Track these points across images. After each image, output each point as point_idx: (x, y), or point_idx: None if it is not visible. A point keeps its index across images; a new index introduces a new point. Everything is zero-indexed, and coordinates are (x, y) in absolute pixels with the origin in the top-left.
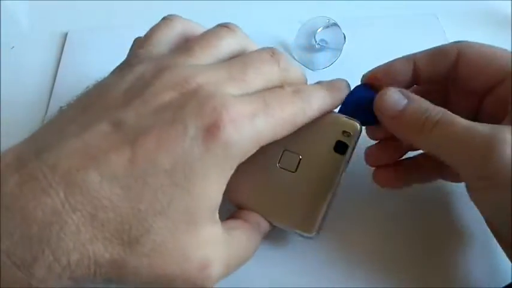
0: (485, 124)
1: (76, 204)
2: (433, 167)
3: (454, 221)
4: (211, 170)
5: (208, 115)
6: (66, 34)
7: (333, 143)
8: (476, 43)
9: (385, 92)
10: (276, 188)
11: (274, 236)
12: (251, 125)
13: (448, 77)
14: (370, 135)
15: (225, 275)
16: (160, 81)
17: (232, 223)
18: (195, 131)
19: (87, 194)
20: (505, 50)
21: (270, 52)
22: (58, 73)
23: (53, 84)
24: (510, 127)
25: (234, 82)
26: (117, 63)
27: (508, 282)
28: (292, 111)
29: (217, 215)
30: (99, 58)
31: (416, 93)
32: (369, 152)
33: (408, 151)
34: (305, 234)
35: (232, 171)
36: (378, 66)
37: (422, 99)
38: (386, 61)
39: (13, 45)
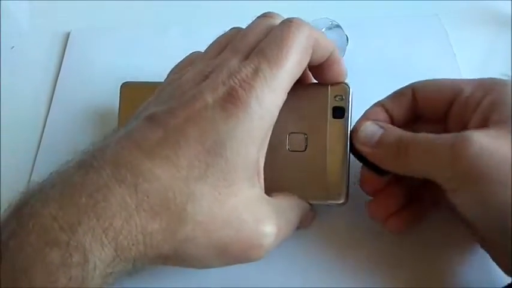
0: (449, 134)
1: (121, 178)
2: (430, 195)
3: (454, 221)
4: (238, 133)
5: (221, 88)
6: (68, 34)
7: (330, 110)
8: (427, 80)
9: (362, 125)
10: (294, 170)
11: None
12: (260, 80)
13: (412, 113)
14: (367, 190)
15: (277, 236)
16: (187, 78)
17: (272, 194)
18: (212, 102)
19: (131, 168)
20: (450, 79)
21: (263, 15)
22: (60, 73)
23: (55, 85)
24: (472, 130)
25: (237, 53)
26: (119, 63)
27: (507, 282)
28: (292, 42)
29: (257, 179)
30: (102, 58)
31: None
32: (372, 207)
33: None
34: (337, 202)
35: (263, 131)
36: (357, 121)
37: (394, 127)
38: (386, 62)
39: (13, 45)
